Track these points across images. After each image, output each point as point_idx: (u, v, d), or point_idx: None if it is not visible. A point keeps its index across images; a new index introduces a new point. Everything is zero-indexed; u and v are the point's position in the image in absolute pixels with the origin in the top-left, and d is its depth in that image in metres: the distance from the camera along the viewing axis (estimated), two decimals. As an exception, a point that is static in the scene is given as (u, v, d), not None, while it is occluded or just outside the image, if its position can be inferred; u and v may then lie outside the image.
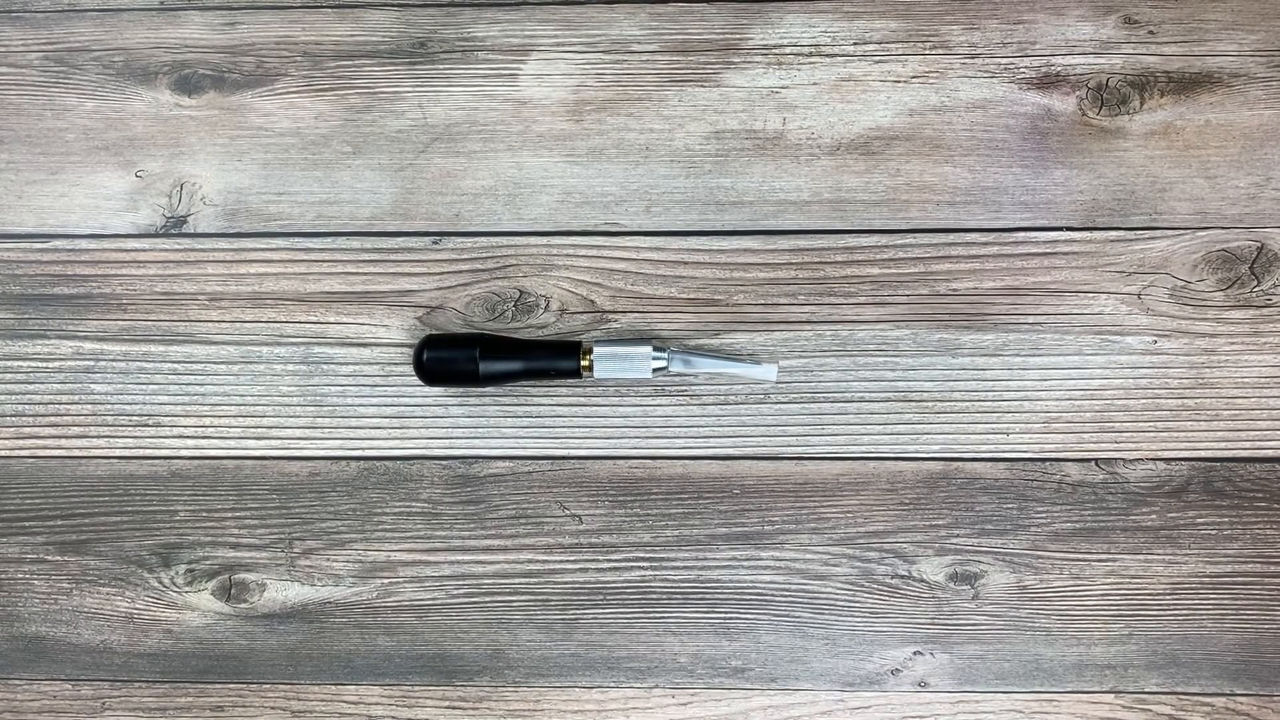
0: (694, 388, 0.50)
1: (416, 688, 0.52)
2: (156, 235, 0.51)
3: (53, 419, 0.51)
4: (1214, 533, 0.50)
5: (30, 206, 0.51)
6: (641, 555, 0.51)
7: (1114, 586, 0.51)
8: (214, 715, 0.53)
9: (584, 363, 0.48)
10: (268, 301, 0.51)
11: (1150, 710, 0.51)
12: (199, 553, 0.52)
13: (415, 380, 0.51)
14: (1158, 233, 0.50)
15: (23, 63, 0.51)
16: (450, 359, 0.48)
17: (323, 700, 0.52)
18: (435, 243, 0.51)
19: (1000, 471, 0.50)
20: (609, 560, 0.51)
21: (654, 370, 0.48)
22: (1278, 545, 0.50)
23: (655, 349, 0.48)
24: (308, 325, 0.51)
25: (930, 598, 0.51)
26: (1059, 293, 0.50)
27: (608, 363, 0.48)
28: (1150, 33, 0.50)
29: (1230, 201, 0.49)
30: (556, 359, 0.48)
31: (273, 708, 0.52)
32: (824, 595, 0.51)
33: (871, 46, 0.50)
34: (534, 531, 0.51)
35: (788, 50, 0.50)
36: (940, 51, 0.50)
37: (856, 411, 0.50)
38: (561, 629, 0.52)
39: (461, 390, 0.51)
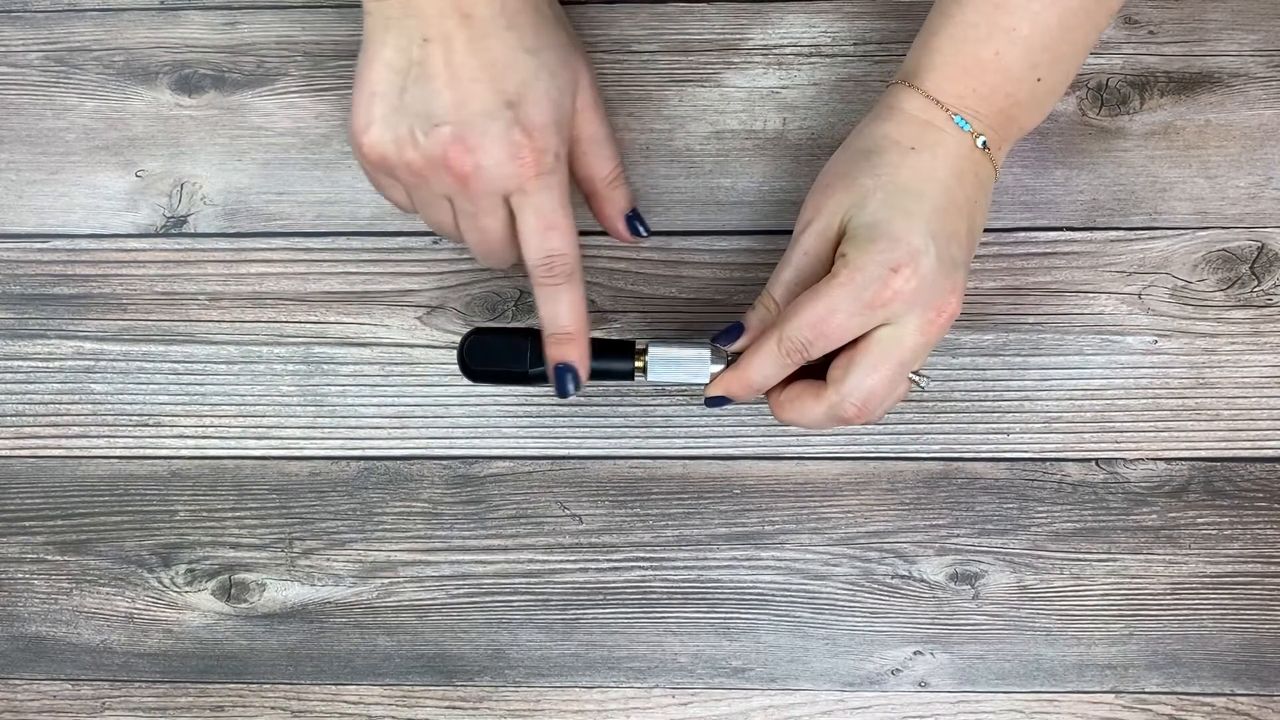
0: (696, 387, 0.50)
1: (416, 688, 0.52)
2: (157, 235, 0.51)
3: (53, 419, 0.51)
4: (1214, 533, 0.50)
5: (30, 206, 0.51)
6: (641, 555, 0.51)
7: (1114, 586, 0.51)
8: (214, 715, 0.52)
9: (638, 364, 0.45)
10: (268, 301, 0.51)
11: (1151, 710, 0.51)
12: (199, 553, 0.52)
13: (415, 380, 0.51)
14: (1158, 233, 0.50)
15: (23, 62, 0.51)
16: (500, 359, 0.45)
17: (323, 700, 0.52)
18: (435, 242, 0.51)
19: (1000, 471, 0.50)
20: (609, 560, 0.51)
21: (711, 376, 0.44)
22: (1278, 545, 0.50)
23: (714, 353, 0.44)
24: (308, 325, 0.51)
25: (930, 598, 0.51)
26: (1059, 293, 0.50)
27: (663, 365, 0.44)
28: (1150, 33, 0.50)
29: (1230, 201, 0.49)
30: (610, 359, 0.45)
31: (273, 708, 0.52)
32: (824, 595, 0.51)
33: (872, 47, 0.50)
34: (534, 531, 0.51)
35: (788, 50, 0.50)
36: (940, 51, 0.50)
37: (857, 411, 0.50)
38: (562, 629, 0.52)
39: (463, 390, 0.51)
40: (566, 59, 0.42)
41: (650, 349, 0.44)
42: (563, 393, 0.44)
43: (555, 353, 0.44)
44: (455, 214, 0.43)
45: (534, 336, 0.45)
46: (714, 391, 0.45)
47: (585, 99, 0.44)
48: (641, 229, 0.47)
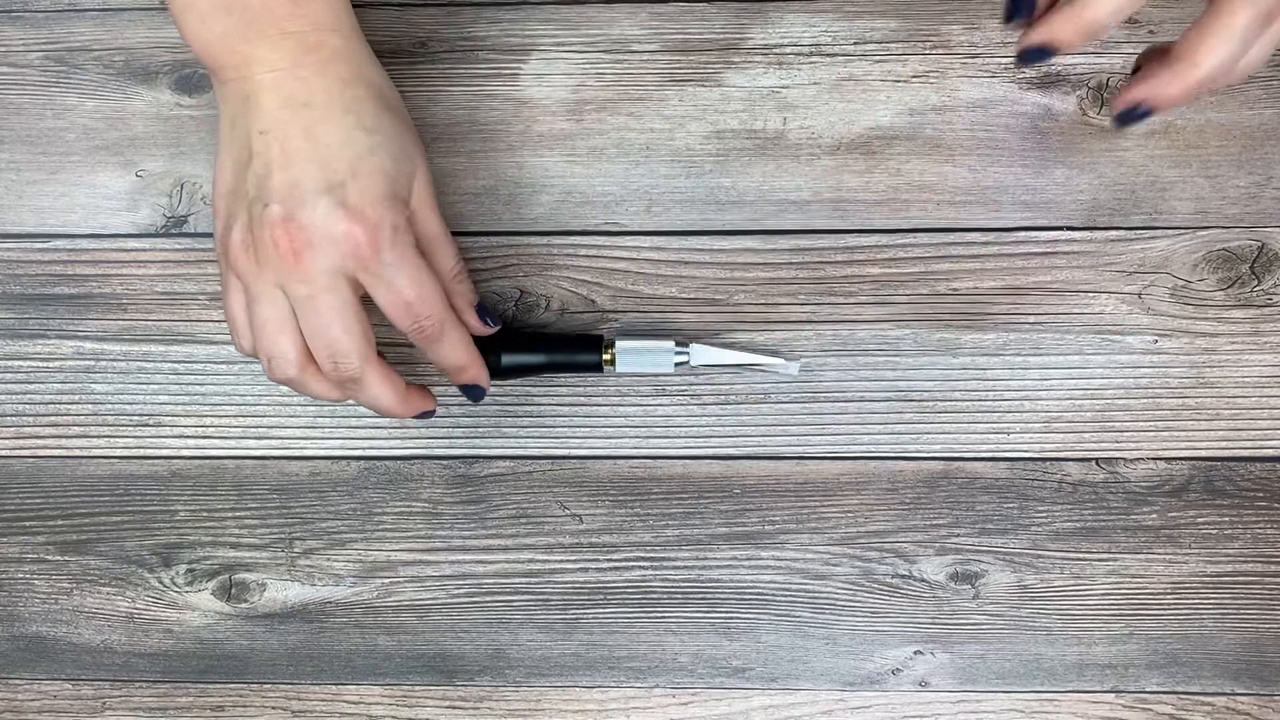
0: (695, 387, 0.50)
1: (417, 687, 0.52)
2: (157, 235, 0.51)
3: (53, 419, 0.51)
4: (1215, 532, 0.50)
5: (30, 206, 0.51)
6: (642, 555, 0.51)
7: (1114, 586, 0.51)
8: (214, 715, 0.53)
9: (605, 357, 0.47)
10: (268, 301, 0.51)
11: (1151, 709, 0.51)
12: (199, 552, 0.52)
13: (416, 379, 0.51)
14: (1158, 232, 0.50)
15: (23, 62, 0.51)
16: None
17: (323, 700, 0.52)
18: None
19: (1001, 471, 0.50)
20: (609, 560, 0.51)
21: (676, 364, 0.47)
22: (1278, 545, 0.50)
23: (678, 343, 0.47)
24: (308, 325, 0.51)
25: (931, 597, 0.51)
26: (1059, 292, 0.50)
27: (629, 357, 0.47)
28: (1150, 32, 0.50)
29: (1231, 201, 0.49)
30: (578, 353, 0.48)
31: (273, 707, 0.52)
32: (824, 595, 0.51)
33: (872, 46, 0.50)
34: (534, 531, 0.51)
35: (788, 50, 0.50)
36: (941, 51, 0.50)
37: (857, 411, 0.50)
38: (562, 629, 0.52)
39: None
40: (405, 148, 0.42)
41: (617, 342, 0.47)
42: (475, 399, 0.48)
43: (454, 380, 0.46)
44: (292, 310, 0.41)
45: (505, 333, 0.48)
46: (1036, 40, 0.38)
47: (422, 196, 0.43)
48: (489, 320, 0.47)
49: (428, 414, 0.46)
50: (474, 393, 0.47)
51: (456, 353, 0.45)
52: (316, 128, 0.40)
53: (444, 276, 0.45)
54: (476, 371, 0.46)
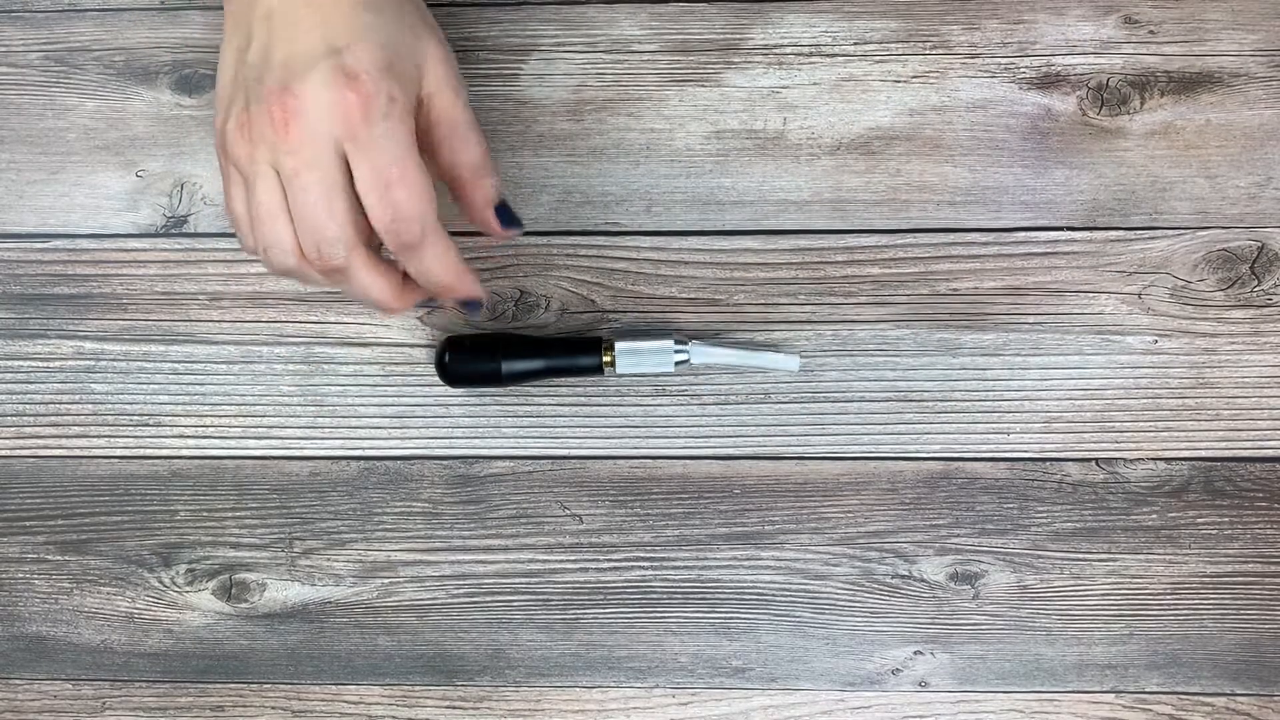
0: (694, 387, 0.50)
1: (417, 687, 0.52)
2: (157, 235, 0.51)
3: (53, 419, 0.51)
4: (1215, 532, 0.50)
5: (30, 206, 0.51)
6: (642, 555, 0.51)
7: (1114, 586, 0.51)
8: (214, 715, 0.53)
9: (606, 359, 0.48)
10: (268, 301, 0.51)
11: (1151, 710, 0.51)
12: (199, 552, 0.52)
13: (416, 380, 0.51)
14: (1158, 232, 0.50)
15: (23, 62, 0.51)
16: (473, 360, 0.48)
17: (323, 700, 0.52)
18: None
19: (1001, 471, 0.50)
20: (609, 560, 0.51)
21: (676, 364, 0.48)
22: (1278, 545, 0.50)
23: (677, 342, 0.48)
24: (308, 325, 0.51)
25: (931, 597, 0.51)
26: (1059, 293, 0.50)
27: (630, 358, 0.47)
28: (1151, 32, 0.50)
29: (1231, 201, 0.49)
30: (578, 356, 0.48)
31: (273, 707, 0.52)
32: (824, 595, 0.51)
33: (872, 46, 0.50)
34: (534, 531, 0.51)
35: (788, 50, 0.50)
36: (940, 51, 0.50)
37: (857, 411, 0.50)
38: (562, 629, 0.52)
39: (463, 390, 0.51)
40: (413, 26, 0.40)
41: (616, 344, 0.48)
42: (473, 314, 0.45)
43: (444, 295, 0.42)
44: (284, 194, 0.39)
45: (505, 340, 0.48)
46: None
47: (439, 77, 0.40)
48: (510, 223, 0.43)
49: (430, 306, 0.43)
50: (471, 307, 0.43)
51: (440, 267, 0.40)
52: (319, 6, 0.39)
53: (465, 168, 0.42)
54: (468, 287, 0.42)
